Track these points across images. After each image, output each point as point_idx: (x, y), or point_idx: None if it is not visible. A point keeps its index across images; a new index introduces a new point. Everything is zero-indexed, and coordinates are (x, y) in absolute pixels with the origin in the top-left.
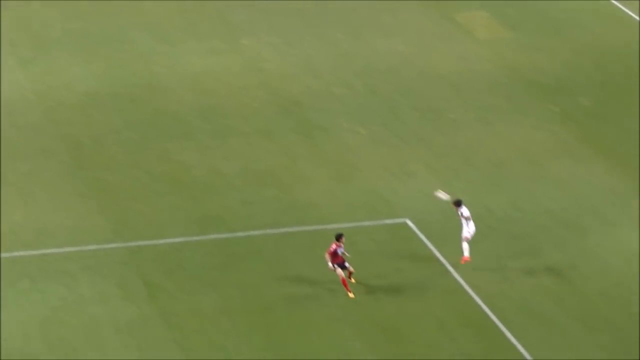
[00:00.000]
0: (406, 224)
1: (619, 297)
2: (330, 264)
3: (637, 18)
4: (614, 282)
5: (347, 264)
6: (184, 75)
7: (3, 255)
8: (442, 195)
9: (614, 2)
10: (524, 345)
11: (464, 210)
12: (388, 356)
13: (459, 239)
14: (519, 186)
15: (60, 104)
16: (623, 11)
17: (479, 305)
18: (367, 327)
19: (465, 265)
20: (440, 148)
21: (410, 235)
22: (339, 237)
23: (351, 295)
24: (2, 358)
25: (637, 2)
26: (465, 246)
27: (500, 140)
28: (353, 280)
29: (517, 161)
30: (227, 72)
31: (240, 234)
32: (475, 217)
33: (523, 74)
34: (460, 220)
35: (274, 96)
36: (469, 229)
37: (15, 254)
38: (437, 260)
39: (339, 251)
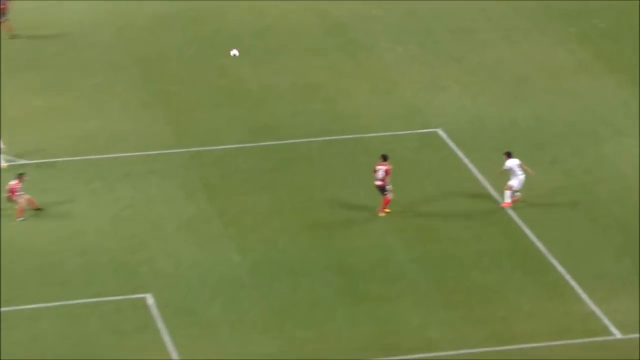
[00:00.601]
0: (437, 134)
1: (629, 200)
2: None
3: None
4: (625, 186)
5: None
6: None
7: (79, 158)
8: (234, 52)
9: None
10: (544, 244)
11: (511, 162)
12: (421, 251)
13: (488, 150)
14: (540, 99)
15: (130, 24)
16: None
17: (502, 208)
18: (401, 226)
19: (491, 170)
20: (470, 65)
21: (441, 144)
22: (385, 157)
23: (382, 214)
24: (76, 252)
25: None
26: (508, 194)
27: (523, 58)
28: (388, 210)
29: (538, 77)
30: None
31: (289, 141)
32: (500, 128)
33: None
34: (506, 171)
35: (321, 18)
36: (517, 179)
37: (90, 157)
38: (465, 166)
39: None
